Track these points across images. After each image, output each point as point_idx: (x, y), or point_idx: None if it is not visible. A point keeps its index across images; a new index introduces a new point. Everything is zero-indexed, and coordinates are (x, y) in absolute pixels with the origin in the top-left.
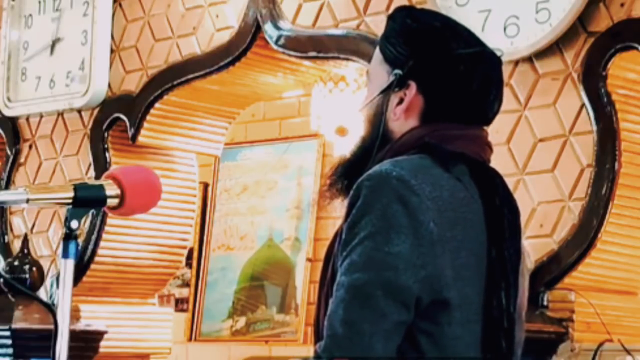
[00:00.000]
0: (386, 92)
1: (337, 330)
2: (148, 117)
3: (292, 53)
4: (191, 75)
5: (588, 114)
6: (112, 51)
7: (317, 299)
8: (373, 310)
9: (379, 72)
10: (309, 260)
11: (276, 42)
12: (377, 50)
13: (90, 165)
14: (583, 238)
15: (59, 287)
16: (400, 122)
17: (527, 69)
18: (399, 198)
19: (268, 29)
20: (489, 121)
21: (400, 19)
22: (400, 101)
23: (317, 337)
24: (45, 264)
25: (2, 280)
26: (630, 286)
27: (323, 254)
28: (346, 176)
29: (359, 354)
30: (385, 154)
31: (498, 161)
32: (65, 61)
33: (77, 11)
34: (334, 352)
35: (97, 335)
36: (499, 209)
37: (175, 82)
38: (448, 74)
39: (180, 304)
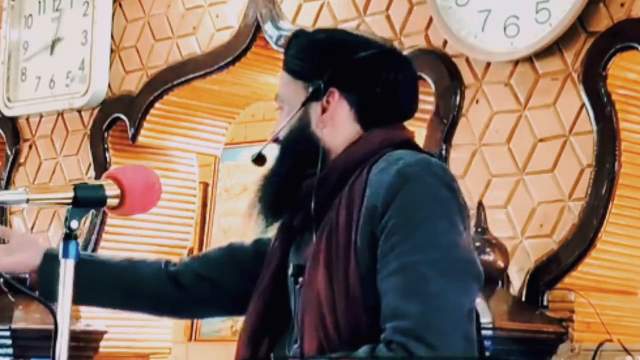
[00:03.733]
0: (307, 104)
1: (429, 303)
2: (148, 117)
3: None
4: (191, 75)
5: (588, 114)
6: (112, 51)
7: (314, 281)
8: (459, 287)
9: (292, 90)
10: None
11: (276, 42)
12: (283, 73)
13: (90, 165)
14: (583, 238)
15: (59, 287)
16: (329, 129)
17: (527, 69)
18: (445, 184)
19: (268, 29)
20: (412, 116)
21: (304, 37)
22: (324, 110)
23: (320, 314)
24: None
25: (2, 280)
26: (630, 286)
27: None
28: (279, 194)
29: (449, 332)
30: (338, 160)
31: (498, 161)
32: (65, 61)
33: (77, 11)
34: (424, 332)
35: (97, 335)
36: None
37: (175, 82)
38: (367, 75)
39: None
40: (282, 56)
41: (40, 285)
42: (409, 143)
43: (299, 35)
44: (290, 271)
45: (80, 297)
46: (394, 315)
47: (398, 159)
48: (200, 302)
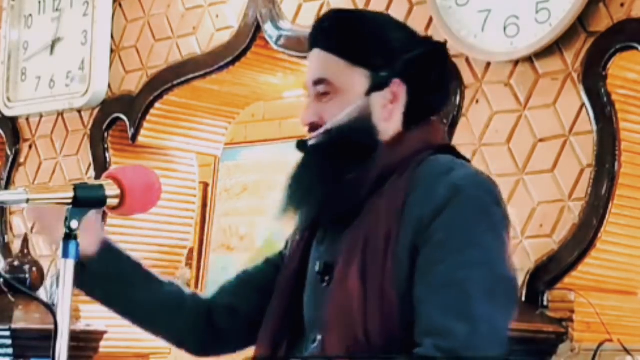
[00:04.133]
0: (370, 93)
1: (475, 326)
2: (148, 117)
3: (292, 53)
4: (191, 75)
5: (588, 114)
6: (112, 51)
7: (350, 290)
8: (504, 311)
9: (349, 76)
10: None
11: (276, 42)
12: (330, 57)
13: (90, 165)
14: (583, 238)
15: (59, 287)
16: (387, 122)
17: (527, 69)
18: (496, 201)
19: (268, 29)
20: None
21: (362, 21)
22: (390, 101)
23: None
24: (45, 264)
25: (2, 280)
26: (630, 286)
27: None
28: (325, 182)
29: (495, 351)
30: (379, 159)
31: (498, 161)
32: (65, 61)
33: (77, 11)
34: (473, 348)
35: (97, 335)
36: None
37: (175, 82)
38: (427, 69)
39: None
40: (282, 56)
41: (88, 275)
42: (448, 147)
43: (353, 18)
44: (317, 268)
45: (124, 303)
46: (437, 332)
47: (449, 169)
48: (224, 334)
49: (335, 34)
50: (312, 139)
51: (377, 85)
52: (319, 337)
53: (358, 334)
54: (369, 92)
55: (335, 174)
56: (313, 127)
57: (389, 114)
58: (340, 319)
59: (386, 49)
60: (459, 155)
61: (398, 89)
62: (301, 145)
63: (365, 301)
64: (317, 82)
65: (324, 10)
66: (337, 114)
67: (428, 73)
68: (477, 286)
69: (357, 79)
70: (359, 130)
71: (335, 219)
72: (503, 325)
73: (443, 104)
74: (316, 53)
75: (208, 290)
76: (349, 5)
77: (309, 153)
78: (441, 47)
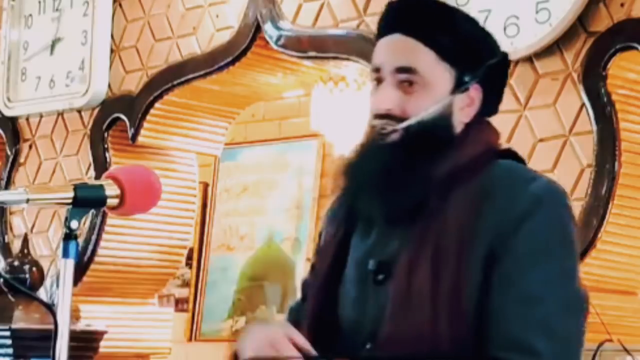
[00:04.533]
0: (454, 93)
1: (556, 343)
2: (148, 117)
3: (292, 53)
4: (191, 75)
5: (588, 114)
6: (112, 51)
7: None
8: (581, 328)
9: (439, 71)
10: (309, 260)
11: (276, 42)
12: (423, 48)
13: (90, 165)
14: (583, 238)
15: (59, 287)
16: (463, 123)
17: (527, 69)
18: (571, 218)
19: (268, 29)
20: None
21: (461, 19)
22: (466, 102)
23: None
24: (45, 264)
25: (2, 280)
26: (630, 286)
27: None
28: (395, 176)
29: None
30: (453, 156)
31: None
32: (65, 61)
33: (77, 11)
34: None
35: (97, 335)
36: None
37: (175, 82)
38: (503, 76)
39: (180, 304)
40: (282, 56)
41: None
42: (510, 151)
43: (448, 10)
44: (370, 266)
45: None
46: (519, 348)
47: (527, 178)
48: None
49: (431, 23)
50: (393, 132)
51: (459, 86)
52: (378, 336)
53: (425, 338)
54: (453, 92)
55: (407, 169)
56: (389, 115)
57: (466, 116)
58: (404, 318)
59: (477, 52)
60: (520, 159)
61: (475, 93)
62: (380, 135)
63: (436, 303)
64: (404, 70)
65: (324, 10)
66: (422, 109)
67: (501, 81)
68: (556, 303)
69: (444, 75)
70: (441, 129)
71: (397, 215)
72: (580, 341)
73: (498, 108)
74: (399, 38)
75: (208, 290)
76: (349, 7)
77: (386, 146)
78: (507, 55)
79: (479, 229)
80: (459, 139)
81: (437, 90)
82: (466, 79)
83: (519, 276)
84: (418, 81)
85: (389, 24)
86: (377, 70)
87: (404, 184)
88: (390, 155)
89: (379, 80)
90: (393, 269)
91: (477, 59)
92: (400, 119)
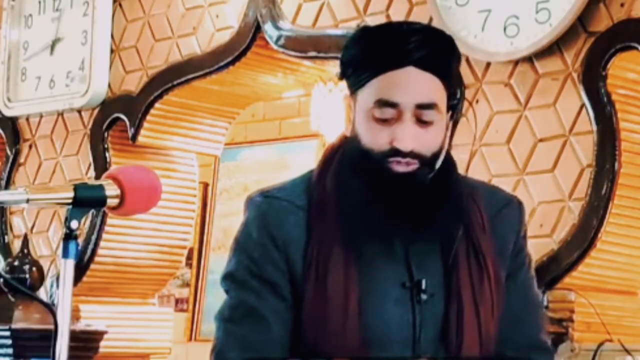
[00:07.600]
0: (452, 117)
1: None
2: (148, 117)
3: (292, 53)
4: (191, 75)
5: (588, 114)
6: (112, 51)
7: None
8: None
9: (445, 99)
10: None
11: (276, 42)
12: (437, 80)
13: (90, 165)
14: (583, 238)
15: (59, 287)
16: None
17: (527, 69)
18: None
19: (268, 29)
20: None
21: (453, 41)
22: (452, 126)
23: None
24: (45, 264)
25: (2, 280)
26: (630, 286)
27: None
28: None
29: None
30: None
31: (498, 161)
32: (65, 61)
33: (77, 11)
34: None
35: (97, 335)
36: None
37: (175, 82)
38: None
39: (180, 304)
40: (282, 56)
41: None
42: None
43: (448, 38)
44: (408, 283)
45: None
46: (542, 348)
47: (497, 190)
48: None
49: (446, 57)
50: (420, 172)
51: (452, 109)
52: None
53: (477, 349)
54: (452, 116)
55: (439, 203)
56: (411, 154)
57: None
58: (473, 329)
59: (460, 77)
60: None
61: (448, 116)
62: (410, 177)
63: (480, 324)
64: (427, 106)
65: (324, 10)
66: (438, 142)
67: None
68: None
69: (444, 102)
70: (446, 155)
71: (413, 235)
72: None
73: None
74: (417, 73)
75: (208, 290)
76: (349, 7)
77: (420, 188)
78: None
79: (502, 250)
80: (444, 164)
81: (444, 119)
82: (454, 101)
83: (529, 283)
84: (437, 117)
85: (396, 57)
86: (392, 105)
87: (437, 216)
88: (426, 195)
89: (395, 118)
90: (426, 287)
91: (460, 84)
92: (419, 155)
